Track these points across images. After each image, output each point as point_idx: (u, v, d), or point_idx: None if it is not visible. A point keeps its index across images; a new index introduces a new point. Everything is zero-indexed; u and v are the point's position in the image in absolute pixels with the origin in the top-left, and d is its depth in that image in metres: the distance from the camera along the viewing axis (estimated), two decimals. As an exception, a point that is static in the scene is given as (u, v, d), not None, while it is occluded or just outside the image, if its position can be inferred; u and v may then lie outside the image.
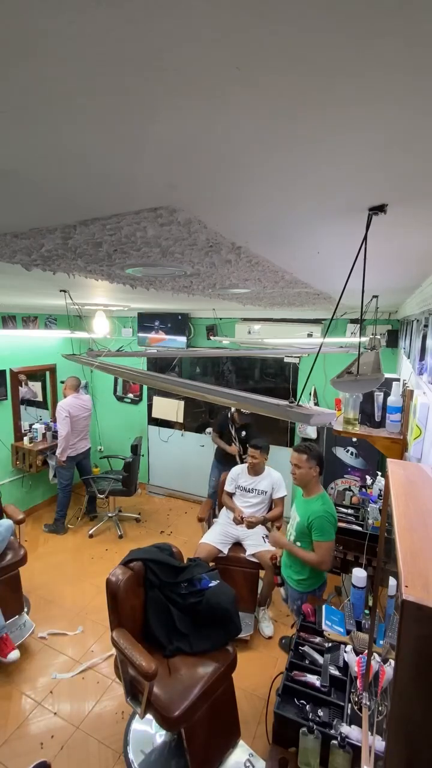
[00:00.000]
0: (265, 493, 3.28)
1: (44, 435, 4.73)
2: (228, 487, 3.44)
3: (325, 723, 1.56)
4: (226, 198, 0.79)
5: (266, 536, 3.13)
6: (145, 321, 4.99)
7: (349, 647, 1.86)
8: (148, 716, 1.96)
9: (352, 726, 1.52)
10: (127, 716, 2.39)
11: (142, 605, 2.22)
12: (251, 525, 3.14)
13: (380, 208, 0.81)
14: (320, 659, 1.84)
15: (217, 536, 3.22)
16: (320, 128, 0.51)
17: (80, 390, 4.62)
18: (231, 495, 3.43)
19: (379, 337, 3.01)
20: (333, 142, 0.55)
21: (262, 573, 3.12)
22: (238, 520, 3.20)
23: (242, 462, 4.07)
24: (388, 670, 1.23)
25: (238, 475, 3.41)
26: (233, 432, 4.21)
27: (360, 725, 1.46)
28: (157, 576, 2.26)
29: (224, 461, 4.28)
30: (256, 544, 3.10)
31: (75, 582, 3.63)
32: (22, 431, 4.64)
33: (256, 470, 3.32)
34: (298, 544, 2.42)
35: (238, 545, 3.19)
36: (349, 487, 3.72)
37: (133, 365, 2.91)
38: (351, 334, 4.01)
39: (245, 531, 3.17)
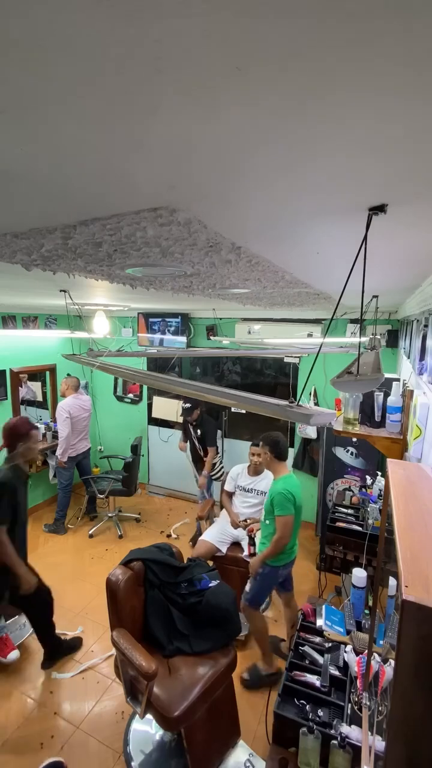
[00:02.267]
0: (264, 493, 3.27)
1: (44, 435, 4.73)
2: (227, 486, 3.44)
3: (325, 723, 1.56)
4: (226, 198, 0.79)
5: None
6: (153, 318, 5.00)
7: (349, 647, 1.86)
8: (148, 716, 1.96)
9: (352, 726, 1.52)
10: (127, 716, 2.39)
11: (142, 605, 2.22)
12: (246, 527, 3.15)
13: (380, 208, 0.81)
14: (320, 659, 1.84)
15: (217, 535, 3.23)
16: (321, 128, 0.51)
17: (80, 390, 4.62)
18: (230, 494, 3.43)
19: (379, 337, 3.01)
20: (333, 142, 0.55)
21: None
22: (235, 525, 3.22)
23: (197, 462, 4.23)
24: (388, 670, 1.23)
25: (237, 474, 3.41)
26: (191, 431, 4.25)
27: (360, 725, 1.46)
28: (157, 576, 2.26)
29: (195, 462, 4.40)
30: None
31: (75, 582, 3.63)
32: (22, 431, 4.63)
33: (255, 470, 3.31)
34: (267, 522, 2.60)
35: (237, 545, 3.19)
36: (349, 487, 3.72)
37: (133, 365, 2.91)
38: (351, 334, 4.01)
39: (243, 532, 3.18)
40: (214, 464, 4.23)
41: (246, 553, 3.06)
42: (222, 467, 4.32)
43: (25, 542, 2.53)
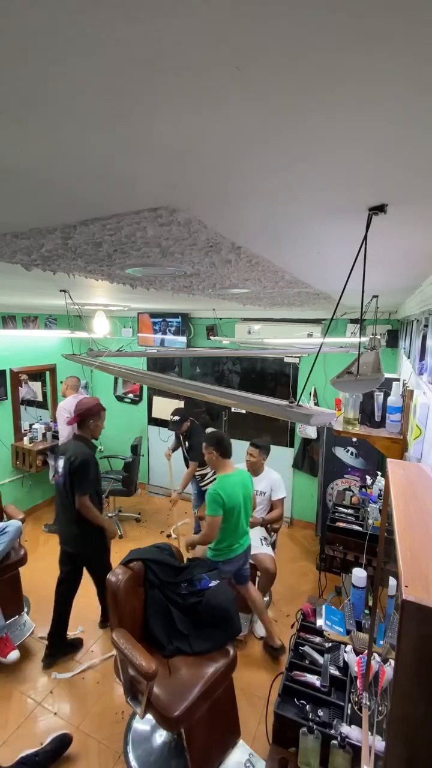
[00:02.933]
0: (264, 494, 3.27)
1: (44, 435, 4.73)
2: None
3: (325, 723, 1.56)
4: (226, 198, 0.79)
5: (265, 539, 3.13)
6: (153, 318, 4.99)
7: (349, 647, 1.86)
8: (148, 716, 1.96)
9: (352, 726, 1.52)
10: (127, 716, 2.39)
11: (142, 605, 2.22)
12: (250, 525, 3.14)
13: (380, 208, 0.81)
14: (320, 659, 1.84)
15: None
16: (320, 128, 0.51)
17: (80, 390, 4.62)
18: None
19: (379, 337, 3.01)
20: (333, 143, 0.55)
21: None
22: None
23: (187, 466, 4.09)
24: (388, 670, 1.23)
25: None
26: (182, 441, 4.16)
27: (360, 725, 1.46)
28: (157, 576, 2.26)
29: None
30: (254, 546, 3.09)
31: (75, 582, 3.62)
32: (22, 431, 4.64)
33: (255, 470, 3.31)
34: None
35: None
36: (349, 487, 3.72)
37: (133, 365, 2.92)
38: (351, 334, 4.01)
39: None
40: (205, 475, 4.13)
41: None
42: (214, 477, 4.23)
43: (101, 505, 2.96)
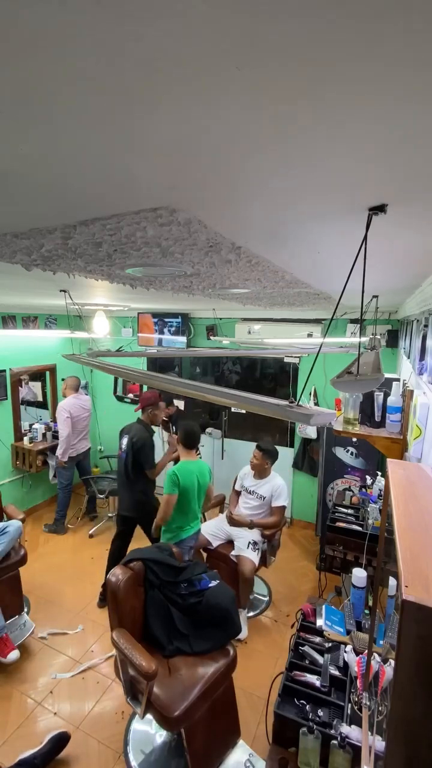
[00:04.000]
0: (264, 498, 3.26)
1: (44, 435, 4.73)
2: (236, 486, 3.49)
3: (325, 723, 1.56)
4: (226, 198, 0.79)
5: (254, 543, 3.10)
6: (153, 318, 4.98)
7: (349, 647, 1.86)
8: (148, 716, 1.96)
9: (352, 726, 1.52)
10: (127, 716, 2.39)
11: (142, 605, 2.22)
12: (233, 522, 3.18)
13: (380, 208, 0.81)
14: (320, 659, 1.84)
15: (212, 528, 3.27)
16: (321, 129, 0.51)
17: (80, 390, 4.63)
18: (238, 493, 3.45)
19: (379, 337, 3.00)
20: (333, 143, 0.55)
21: None
22: (230, 519, 3.24)
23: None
24: (388, 670, 1.23)
25: (245, 474, 3.43)
26: (171, 427, 4.28)
27: (360, 725, 1.46)
28: (157, 576, 2.26)
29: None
30: (241, 547, 3.09)
31: (75, 582, 3.63)
32: (22, 431, 4.64)
33: (258, 473, 3.31)
34: None
35: (230, 543, 3.21)
36: (349, 487, 3.72)
37: (133, 365, 2.93)
38: (351, 334, 4.00)
39: (236, 530, 3.19)
40: None
41: (234, 552, 3.08)
42: None
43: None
